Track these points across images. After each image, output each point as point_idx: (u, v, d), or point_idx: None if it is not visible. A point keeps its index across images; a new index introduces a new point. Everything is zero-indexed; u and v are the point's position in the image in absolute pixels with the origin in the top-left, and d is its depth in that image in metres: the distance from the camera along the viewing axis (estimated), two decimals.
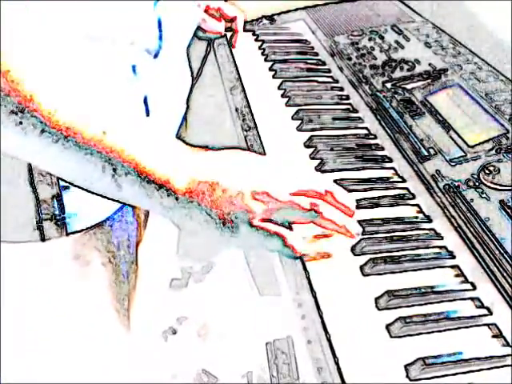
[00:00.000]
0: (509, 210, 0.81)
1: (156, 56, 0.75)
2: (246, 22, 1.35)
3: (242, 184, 0.65)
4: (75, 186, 0.63)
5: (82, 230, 0.76)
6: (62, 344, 0.77)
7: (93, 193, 0.64)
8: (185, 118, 0.90)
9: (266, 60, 1.27)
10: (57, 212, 0.72)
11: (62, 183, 0.72)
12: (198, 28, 1.18)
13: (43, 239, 0.72)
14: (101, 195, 0.64)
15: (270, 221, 0.66)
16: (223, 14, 1.19)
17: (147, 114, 0.76)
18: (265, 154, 0.99)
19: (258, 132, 1.04)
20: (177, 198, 0.63)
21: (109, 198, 0.65)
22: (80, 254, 0.78)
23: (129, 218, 0.88)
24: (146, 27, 0.72)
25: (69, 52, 0.58)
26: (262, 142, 1.02)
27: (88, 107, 0.58)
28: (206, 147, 0.67)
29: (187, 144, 0.66)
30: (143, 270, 0.95)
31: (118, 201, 0.67)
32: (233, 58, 1.25)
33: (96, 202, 0.75)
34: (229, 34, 1.24)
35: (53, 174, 0.68)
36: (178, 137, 0.67)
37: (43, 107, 0.55)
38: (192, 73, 0.90)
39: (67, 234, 0.74)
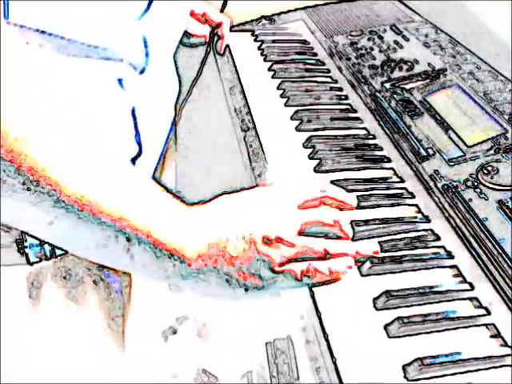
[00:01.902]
0: (507, 211, 0.81)
1: (142, 72, 0.75)
2: (245, 22, 1.35)
3: (250, 231, 0.64)
4: (85, 258, 0.63)
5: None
6: (58, 351, 0.77)
7: (103, 266, 0.64)
8: (174, 124, 0.90)
9: (265, 60, 1.27)
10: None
11: None
12: (184, 34, 1.18)
13: (29, 262, 0.72)
14: (108, 267, 0.64)
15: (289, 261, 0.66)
16: (208, 19, 1.18)
17: (135, 126, 0.76)
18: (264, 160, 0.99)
19: (256, 132, 1.04)
20: (189, 265, 0.62)
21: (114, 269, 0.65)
22: (70, 274, 0.78)
23: None
24: (132, 44, 0.72)
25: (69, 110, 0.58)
26: (260, 142, 1.02)
27: (96, 182, 0.58)
28: (200, 202, 0.67)
29: (184, 203, 0.66)
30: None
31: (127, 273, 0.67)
32: (232, 58, 1.25)
33: None
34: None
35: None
36: (176, 195, 0.67)
37: (54, 181, 0.55)
38: (179, 78, 0.90)
39: (56, 256, 0.74)
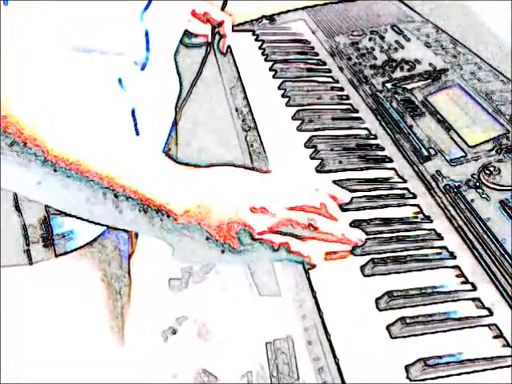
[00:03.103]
0: (509, 211, 0.81)
1: (143, 68, 0.75)
2: (246, 22, 1.34)
3: (238, 200, 0.65)
4: (74, 216, 0.63)
5: (73, 251, 0.76)
6: (57, 351, 0.77)
7: (92, 222, 0.63)
8: (175, 124, 0.90)
9: (266, 60, 1.27)
10: (45, 234, 0.71)
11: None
12: (184, 33, 1.17)
13: (31, 262, 0.71)
14: (99, 223, 0.64)
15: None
16: (210, 18, 1.17)
17: (135, 127, 0.76)
18: (265, 160, 0.99)
19: (258, 132, 1.04)
20: (175, 220, 0.63)
21: (106, 226, 0.65)
22: (71, 274, 0.77)
23: (119, 232, 0.87)
24: (134, 39, 0.72)
25: (59, 76, 0.58)
26: (262, 142, 1.02)
27: (84, 140, 0.59)
28: (195, 165, 0.67)
29: (178, 162, 0.66)
30: (143, 269, 0.94)
31: (115, 228, 0.67)
32: (233, 57, 1.25)
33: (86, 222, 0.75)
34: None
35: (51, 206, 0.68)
36: (169, 153, 0.67)
37: (40, 142, 0.55)
38: (180, 78, 0.90)
39: (56, 256, 0.73)
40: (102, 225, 0.65)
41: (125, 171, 0.60)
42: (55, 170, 0.57)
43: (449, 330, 0.70)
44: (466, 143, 0.93)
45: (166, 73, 0.85)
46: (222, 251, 0.66)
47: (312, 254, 0.71)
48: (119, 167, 0.60)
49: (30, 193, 0.62)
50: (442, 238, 0.82)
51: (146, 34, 0.74)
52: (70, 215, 0.64)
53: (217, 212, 0.64)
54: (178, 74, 0.90)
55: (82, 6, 0.61)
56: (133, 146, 0.64)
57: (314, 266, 0.75)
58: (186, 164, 0.67)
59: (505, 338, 0.69)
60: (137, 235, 1.00)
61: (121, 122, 0.72)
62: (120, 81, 0.71)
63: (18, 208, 0.69)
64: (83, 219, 0.64)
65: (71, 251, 0.75)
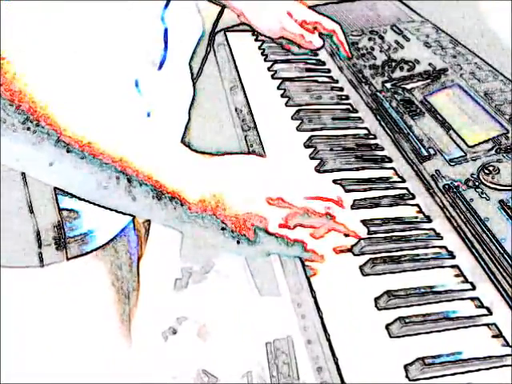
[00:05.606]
0: (508, 210, 0.81)
1: (160, 67, 0.74)
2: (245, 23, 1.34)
3: (254, 190, 0.64)
4: (86, 200, 0.62)
5: (84, 254, 0.75)
6: (61, 347, 0.77)
7: (104, 207, 0.62)
8: (186, 129, 0.90)
9: (265, 60, 1.27)
10: (57, 237, 0.71)
11: (64, 203, 0.70)
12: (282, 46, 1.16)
13: (42, 265, 0.71)
14: (110, 209, 0.63)
15: (287, 226, 0.66)
16: (321, 27, 1.14)
17: None
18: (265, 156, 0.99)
19: (257, 132, 1.04)
20: (189, 209, 0.62)
21: (119, 212, 0.64)
22: (82, 277, 0.76)
23: (131, 236, 0.86)
24: (153, 37, 0.71)
25: (76, 65, 0.57)
26: (261, 142, 1.02)
27: (98, 121, 0.58)
28: (210, 153, 0.66)
29: (192, 150, 0.65)
30: (143, 270, 0.94)
31: (128, 214, 0.66)
32: (233, 58, 1.25)
33: (101, 225, 0.74)
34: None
35: (61, 190, 0.67)
36: (184, 143, 0.66)
37: (54, 121, 0.54)
38: (194, 84, 0.89)
39: (68, 259, 0.73)
40: (114, 210, 0.64)
41: (139, 155, 0.59)
42: (68, 151, 0.55)
43: (448, 330, 0.70)
44: (465, 143, 0.93)
45: (182, 76, 0.85)
46: (238, 242, 0.65)
47: (326, 254, 0.70)
48: (133, 151, 0.59)
49: (42, 174, 0.60)
50: (441, 238, 0.82)
51: (165, 33, 0.73)
52: (83, 199, 0.63)
53: (233, 203, 0.63)
54: (192, 80, 0.89)
55: (101, 3, 0.61)
56: (148, 130, 0.62)
57: (315, 274, 0.75)
58: (201, 152, 0.66)
59: (504, 338, 0.69)
60: (146, 239, 1.00)
61: (136, 110, 0.71)
62: (136, 83, 0.71)
63: (31, 210, 0.68)
64: (95, 204, 0.62)
65: (83, 254, 0.75)
